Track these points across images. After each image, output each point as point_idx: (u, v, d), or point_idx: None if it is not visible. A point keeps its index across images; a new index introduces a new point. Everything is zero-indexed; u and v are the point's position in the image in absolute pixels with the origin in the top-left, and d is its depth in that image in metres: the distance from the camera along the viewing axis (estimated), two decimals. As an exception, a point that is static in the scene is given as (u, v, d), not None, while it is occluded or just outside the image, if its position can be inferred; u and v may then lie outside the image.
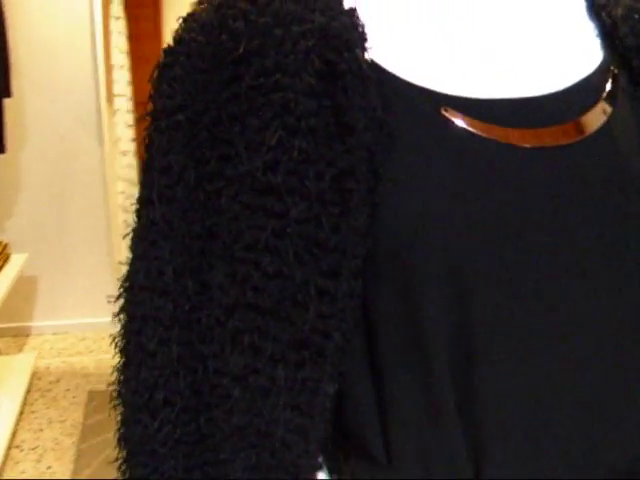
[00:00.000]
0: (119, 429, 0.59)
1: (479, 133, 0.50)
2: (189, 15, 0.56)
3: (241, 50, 0.50)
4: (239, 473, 0.53)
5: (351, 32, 0.50)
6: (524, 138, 0.50)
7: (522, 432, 0.51)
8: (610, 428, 0.53)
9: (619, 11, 0.59)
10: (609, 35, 0.58)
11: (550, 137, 0.51)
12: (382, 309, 0.50)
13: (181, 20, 0.56)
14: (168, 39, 0.57)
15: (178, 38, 0.55)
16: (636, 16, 0.59)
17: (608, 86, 0.56)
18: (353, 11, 0.51)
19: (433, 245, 0.48)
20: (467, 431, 0.52)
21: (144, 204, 0.56)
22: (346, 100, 0.48)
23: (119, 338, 0.58)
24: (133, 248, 0.57)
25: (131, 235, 0.57)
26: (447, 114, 0.50)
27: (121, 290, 0.58)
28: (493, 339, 0.50)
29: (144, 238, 0.56)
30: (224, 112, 0.52)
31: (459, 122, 0.50)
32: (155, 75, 0.56)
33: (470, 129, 0.50)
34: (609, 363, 0.52)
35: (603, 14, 0.58)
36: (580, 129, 0.52)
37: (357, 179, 0.48)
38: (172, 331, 0.55)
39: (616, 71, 0.57)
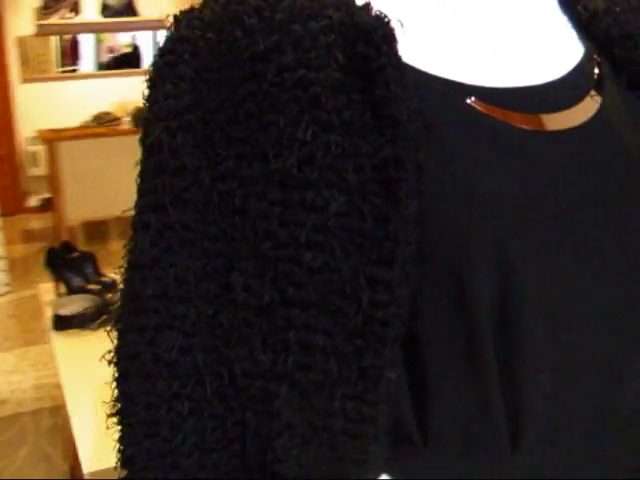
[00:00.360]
0: (122, 450, 0.57)
1: (501, 119, 0.54)
2: (186, 13, 0.56)
3: (261, 47, 0.51)
4: (295, 470, 0.52)
5: (384, 27, 0.50)
6: (539, 123, 0.55)
7: (553, 403, 0.53)
8: (618, 390, 0.56)
9: (599, 5, 0.66)
10: (586, 26, 0.64)
11: (559, 121, 0.55)
12: (427, 289, 0.50)
13: (173, 18, 0.56)
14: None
15: (178, 36, 0.54)
16: (617, 9, 0.66)
17: (596, 73, 0.61)
18: (369, 5, 0.52)
19: (482, 223, 0.49)
20: (506, 405, 0.52)
21: (152, 210, 0.54)
22: (388, 93, 0.49)
23: (115, 353, 0.57)
24: (135, 259, 0.55)
25: (130, 247, 0.56)
26: (472, 103, 0.54)
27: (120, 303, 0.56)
28: (532, 311, 0.51)
29: (154, 245, 0.54)
30: (240, 110, 0.51)
31: (483, 110, 0.54)
32: (153, 75, 0.55)
33: (493, 115, 0.54)
34: (620, 332, 0.55)
35: (579, 7, 0.65)
36: (581, 113, 0.57)
37: (405, 168, 0.48)
38: (195, 338, 0.53)
39: (599, 59, 0.62)
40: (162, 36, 0.56)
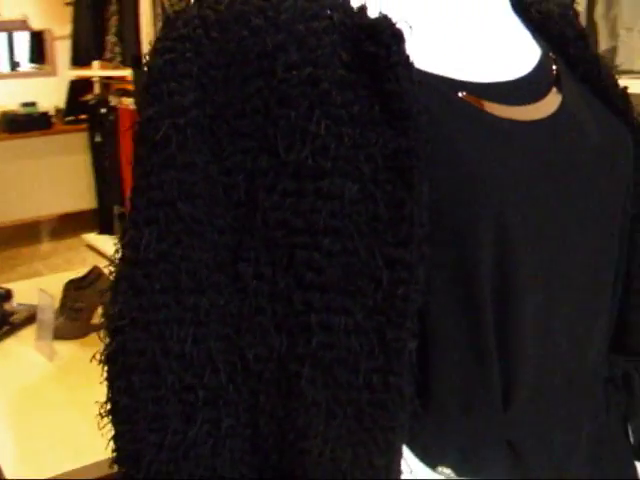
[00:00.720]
0: (120, 447, 0.58)
1: (488, 111, 0.59)
2: (180, 13, 0.57)
3: (269, 46, 0.54)
4: (320, 446, 0.54)
5: (392, 27, 0.54)
6: (519, 114, 0.60)
7: (536, 368, 0.59)
8: (582, 356, 0.64)
9: (554, 8, 0.74)
10: (539, 27, 0.72)
11: (532, 113, 0.62)
12: (434, 266, 0.54)
13: (166, 19, 0.57)
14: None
15: (177, 35, 0.56)
16: (571, 12, 0.75)
17: (554, 70, 0.67)
18: (365, 8, 0.56)
19: (484, 202, 0.54)
20: (501, 369, 0.58)
21: (159, 205, 0.55)
22: (400, 88, 0.53)
23: (113, 352, 0.57)
24: (137, 255, 0.55)
25: (127, 244, 0.56)
26: (464, 96, 0.59)
27: (120, 300, 0.56)
28: (524, 281, 0.57)
29: (162, 240, 0.55)
30: (248, 105, 0.54)
31: (473, 102, 0.59)
32: (154, 74, 0.56)
33: (482, 108, 0.59)
34: (586, 307, 0.63)
35: (532, 10, 0.72)
36: (548, 106, 0.63)
37: (418, 157, 0.52)
38: (208, 328, 0.55)
39: (554, 57, 0.69)
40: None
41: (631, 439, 0.72)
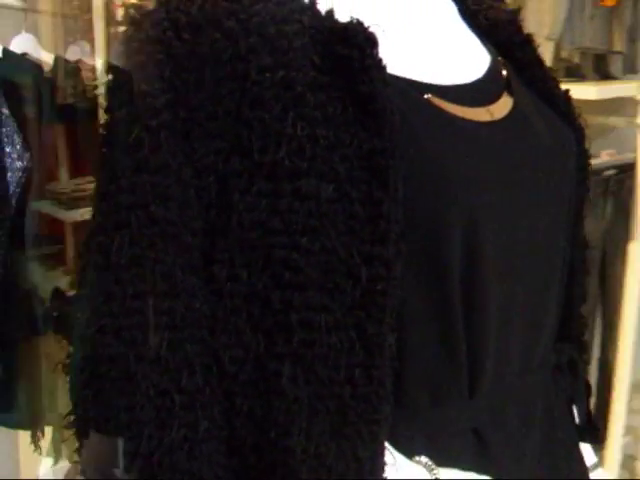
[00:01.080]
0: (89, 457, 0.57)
1: (452, 112, 0.61)
2: (147, 15, 0.57)
3: (242, 48, 0.54)
4: (303, 443, 0.54)
5: (365, 31, 0.56)
6: (478, 115, 0.63)
7: (498, 356, 0.63)
8: (536, 341, 0.68)
9: (502, 15, 0.76)
10: (487, 33, 0.74)
11: (489, 114, 0.64)
12: (407, 262, 0.56)
13: (130, 20, 0.57)
14: None
15: (145, 37, 0.55)
16: (518, 19, 0.79)
17: (504, 74, 0.70)
18: (332, 12, 0.58)
19: (454, 200, 0.57)
20: (468, 357, 0.60)
21: (131, 209, 0.54)
22: (374, 90, 0.54)
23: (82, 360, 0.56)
24: (108, 260, 0.54)
25: (99, 249, 0.55)
26: (429, 98, 0.61)
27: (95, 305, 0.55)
28: (489, 275, 0.60)
29: (134, 244, 0.54)
30: (220, 108, 0.54)
31: (438, 104, 0.61)
32: (123, 77, 0.55)
33: (445, 109, 0.61)
34: (539, 295, 0.66)
35: (480, 17, 0.74)
36: (502, 108, 0.66)
37: (393, 156, 0.54)
38: (184, 332, 0.54)
39: (503, 61, 0.72)
40: None
41: (577, 420, 0.77)
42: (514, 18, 0.78)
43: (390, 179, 0.53)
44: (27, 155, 1.62)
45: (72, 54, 1.80)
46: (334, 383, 0.54)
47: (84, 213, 1.77)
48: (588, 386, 0.79)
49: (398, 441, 0.59)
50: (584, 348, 0.77)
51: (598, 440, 0.76)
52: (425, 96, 0.61)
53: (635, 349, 1.75)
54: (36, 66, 1.68)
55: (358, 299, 0.54)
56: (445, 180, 0.57)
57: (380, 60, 0.56)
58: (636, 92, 1.68)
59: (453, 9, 0.71)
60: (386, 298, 0.54)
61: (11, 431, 1.66)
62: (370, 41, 0.55)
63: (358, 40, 0.55)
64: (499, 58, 0.72)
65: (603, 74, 1.96)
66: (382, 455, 0.56)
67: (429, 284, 0.57)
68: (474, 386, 0.62)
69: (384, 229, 0.53)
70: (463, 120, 0.61)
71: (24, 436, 1.66)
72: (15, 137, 1.60)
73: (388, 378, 0.55)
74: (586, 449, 0.77)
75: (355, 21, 0.56)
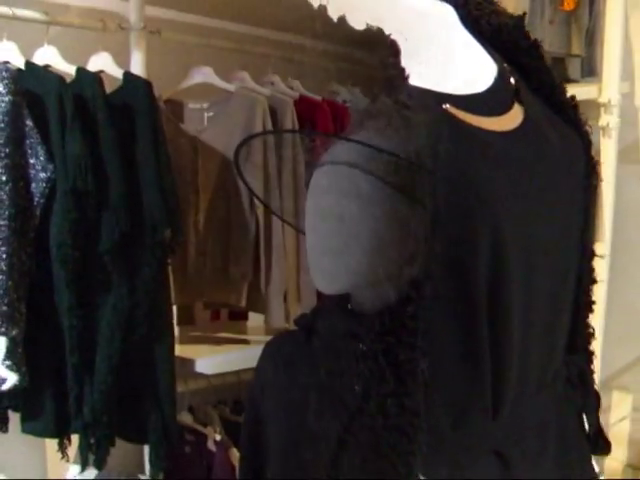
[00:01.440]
0: None
1: (468, 122, 0.62)
2: None
3: None
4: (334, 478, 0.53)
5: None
6: (492, 124, 0.63)
7: (520, 377, 0.62)
8: (549, 359, 0.68)
9: (506, 20, 0.76)
10: (490, 39, 0.74)
11: (503, 124, 0.64)
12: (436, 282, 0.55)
13: None
14: None
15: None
16: (523, 24, 0.77)
17: (512, 81, 0.70)
18: None
19: (482, 213, 0.56)
20: (492, 379, 0.59)
21: None
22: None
23: None
24: None
25: None
26: (447, 108, 0.61)
27: None
28: (513, 294, 0.58)
29: None
30: None
31: (456, 114, 0.61)
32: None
33: (463, 119, 0.61)
34: (554, 313, 0.66)
35: (482, 22, 0.73)
36: (514, 117, 0.66)
37: (419, 172, 0.53)
38: None
39: (509, 67, 0.72)
40: None
41: (587, 430, 0.76)
42: (520, 23, 0.77)
43: (417, 195, 0.52)
44: (51, 167, 1.64)
45: (93, 65, 1.82)
46: (364, 414, 0.52)
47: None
48: (598, 397, 0.78)
49: (424, 467, 0.58)
50: (591, 359, 0.76)
51: (608, 451, 0.75)
52: (443, 106, 0.61)
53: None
54: (59, 78, 1.69)
55: (387, 323, 0.52)
56: (471, 196, 0.56)
57: (403, 70, 0.56)
58: (597, 94, 1.65)
59: (454, 16, 0.71)
60: (417, 322, 0.52)
61: (39, 438, 1.68)
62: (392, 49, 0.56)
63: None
64: (505, 65, 0.72)
65: (562, 77, 1.96)
66: None
67: (455, 304, 0.56)
68: (498, 407, 0.60)
69: (412, 249, 0.52)
70: (480, 130, 0.61)
71: (51, 443, 1.69)
72: (39, 148, 1.62)
73: (422, 406, 0.53)
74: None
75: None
